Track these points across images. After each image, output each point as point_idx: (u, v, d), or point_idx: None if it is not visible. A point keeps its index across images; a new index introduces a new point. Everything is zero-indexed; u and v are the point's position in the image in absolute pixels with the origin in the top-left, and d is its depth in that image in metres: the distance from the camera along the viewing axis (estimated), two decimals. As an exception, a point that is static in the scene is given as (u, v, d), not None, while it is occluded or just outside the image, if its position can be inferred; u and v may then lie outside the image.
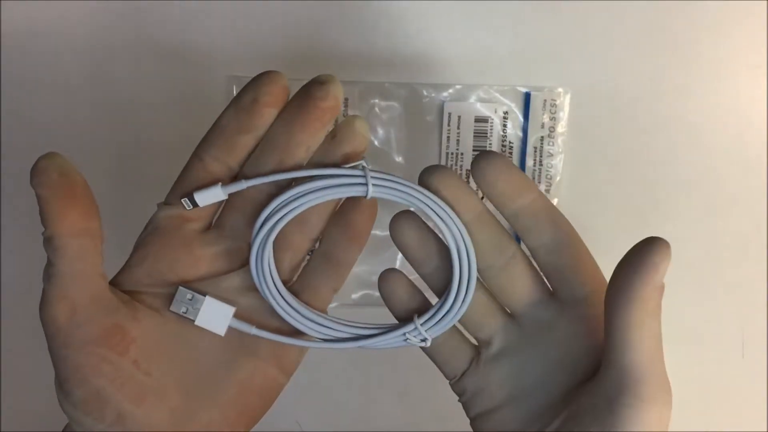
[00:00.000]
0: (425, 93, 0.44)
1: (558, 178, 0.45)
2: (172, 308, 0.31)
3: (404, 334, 0.32)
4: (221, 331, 0.31)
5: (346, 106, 0.44)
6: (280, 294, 0.31)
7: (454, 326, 0.33)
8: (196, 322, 0.31)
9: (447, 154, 0.45)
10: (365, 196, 0.30)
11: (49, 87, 0.44)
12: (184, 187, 0.31)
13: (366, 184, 0.30)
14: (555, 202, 0.45)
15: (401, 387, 0.48)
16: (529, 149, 0.45)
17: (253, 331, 0.31)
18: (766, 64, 0.44)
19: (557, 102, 0.44)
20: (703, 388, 0.47)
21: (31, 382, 0.46)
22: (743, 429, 0.47)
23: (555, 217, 0.31)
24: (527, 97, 0.45)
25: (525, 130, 0.45)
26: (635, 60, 0.44)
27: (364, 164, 0.31)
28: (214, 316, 0.31)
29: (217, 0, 0.43)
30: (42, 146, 0.45)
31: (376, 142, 0.45)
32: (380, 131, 0.45)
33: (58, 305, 0.29)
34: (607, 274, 0.30)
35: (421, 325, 0.31)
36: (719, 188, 0.46)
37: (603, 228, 0.45)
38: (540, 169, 0.45)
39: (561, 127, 0.45)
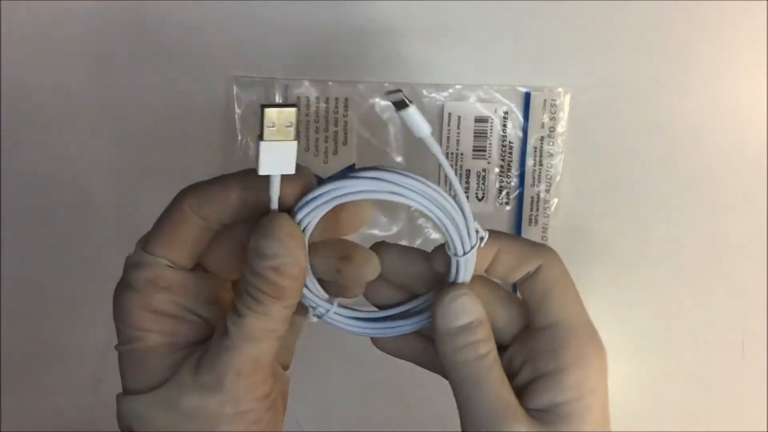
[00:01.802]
0: (425, 93, 0.44)
1: (558, 178, 0.45)
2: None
3: (315, 304, 0.30)
4: (291, 168, 0.27)
5: (346, 106, 0.44)
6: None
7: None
8: (260, 172, 0.26)
9: (447, 154, 0.45)
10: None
11: (49, 87, 0.44)
12: (169, 238, 0.28)
13: None
14: (555, 201, 0.45)
15: (401, 387, 0.47)
16: (529, 149, 0.45)
17: None
18: (766, 64, 0.44)
19: (557, 102, 0.44)
20: (703, 388, 0.47)
21: (31, 382, 0.46)
22: (743, 429, 0.47)
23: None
24: (527, 97, 0.45)
25: (525, 130, 0.45)
26: (635, 60, 0.44)
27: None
28: (276, 157, 0.26)
29: (217, 0, 0.44)
30: (42, 146, 0.45)
31: (375, 143, 0.45)
32: (380, 131, 0.45)
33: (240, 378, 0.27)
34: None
35: (332, 311, 0.30)
36: (719, 188, 0.46)
37: (603, 228, 0.45)
38: (540, 169, 0.45)
39: (561, 127, 0.45)
